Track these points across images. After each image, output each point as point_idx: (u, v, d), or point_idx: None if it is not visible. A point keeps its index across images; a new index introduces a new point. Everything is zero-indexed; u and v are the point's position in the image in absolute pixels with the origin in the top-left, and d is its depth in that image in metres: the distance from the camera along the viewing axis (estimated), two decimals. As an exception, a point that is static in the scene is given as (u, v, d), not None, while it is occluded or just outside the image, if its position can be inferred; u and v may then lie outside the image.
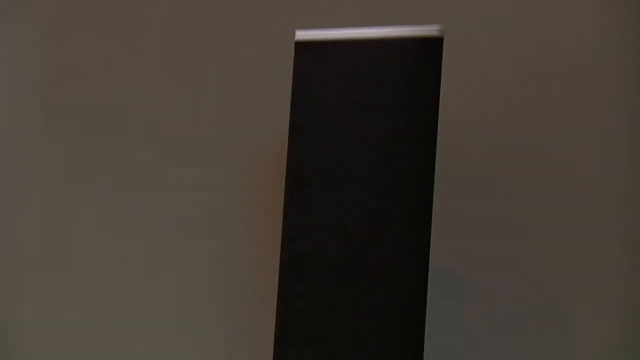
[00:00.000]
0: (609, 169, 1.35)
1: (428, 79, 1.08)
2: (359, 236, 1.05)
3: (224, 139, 1.42)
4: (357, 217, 1.06)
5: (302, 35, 1.12)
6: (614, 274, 1.34)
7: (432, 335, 1.34)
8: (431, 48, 1.08)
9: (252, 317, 1.40)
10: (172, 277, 1.42)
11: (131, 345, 1.40)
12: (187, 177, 1.42)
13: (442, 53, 1.08)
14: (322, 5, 1.34)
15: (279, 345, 1.08)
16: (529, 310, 1.35)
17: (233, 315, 1.40)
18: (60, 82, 1.45)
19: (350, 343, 1.05)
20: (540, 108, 1.36)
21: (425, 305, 1.06)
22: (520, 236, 1.36)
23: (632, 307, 1.33)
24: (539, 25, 1.36)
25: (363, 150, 1.06)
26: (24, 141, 1.45)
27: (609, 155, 1.35)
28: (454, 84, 1.36)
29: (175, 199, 1.41)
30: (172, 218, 1.42)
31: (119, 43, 1.43)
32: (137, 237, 1.41)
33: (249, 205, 1.40)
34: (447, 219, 1.36)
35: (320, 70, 1.10)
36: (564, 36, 1.36)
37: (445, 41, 1.36)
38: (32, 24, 1.44)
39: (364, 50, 1.08)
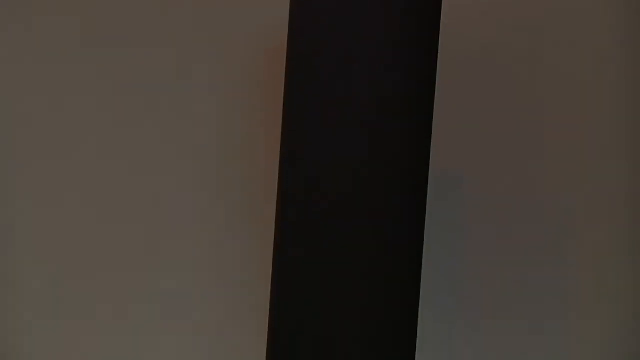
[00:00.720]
0: (611, 70, 1.35)
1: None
2: (359, 138, 1.04)
3: (218, 32, 1.38)
4: (357, 119, 1.04)
5: None
6: (615, 168, 1.35)
7: (432, 242, 1.35)
8: None
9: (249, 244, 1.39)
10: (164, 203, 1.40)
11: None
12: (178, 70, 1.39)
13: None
14: None
15: (278, 247, 1.07)
16: (530, 211, 1.35)
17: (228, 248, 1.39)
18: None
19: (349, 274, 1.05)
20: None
21: (425, 212, 1.06)
22: (521, 136, 1.35)
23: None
24: None
25: (364, 44, 1.04)
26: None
27: (612, 59, 1.34)
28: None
29: (165, 97, 1.38)
30: (162, 120, 1.39)
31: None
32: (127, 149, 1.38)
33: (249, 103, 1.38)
34: (448, 121, 1.35)
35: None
36: None
37: None
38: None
39: None
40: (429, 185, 1.28)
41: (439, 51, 1.33)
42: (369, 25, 1.03)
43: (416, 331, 1.07)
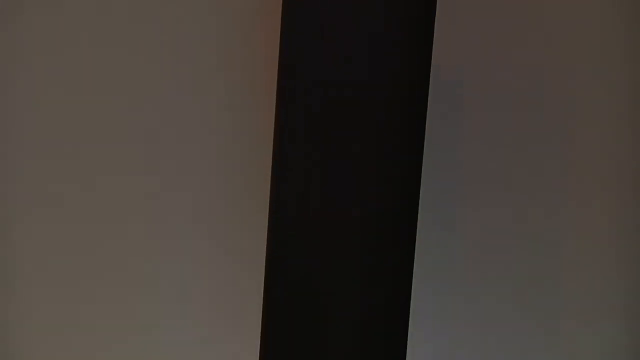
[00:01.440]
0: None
1: None
2: (358, 67, 1.00)
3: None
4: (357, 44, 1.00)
5: None
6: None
7: (431, 141, 1.31)
8: None
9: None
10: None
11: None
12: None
13: None
14: None
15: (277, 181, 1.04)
16: (529, 118, 1.31)
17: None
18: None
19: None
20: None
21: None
22: (524, 35, 1.31)
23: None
24: None
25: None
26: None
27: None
28: None
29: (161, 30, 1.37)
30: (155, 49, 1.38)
31: None
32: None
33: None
34: (449, 23, 1.31)
35: None
36: None
37: None
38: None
39: None
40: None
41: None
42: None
43: (409, 312, 1.06)
